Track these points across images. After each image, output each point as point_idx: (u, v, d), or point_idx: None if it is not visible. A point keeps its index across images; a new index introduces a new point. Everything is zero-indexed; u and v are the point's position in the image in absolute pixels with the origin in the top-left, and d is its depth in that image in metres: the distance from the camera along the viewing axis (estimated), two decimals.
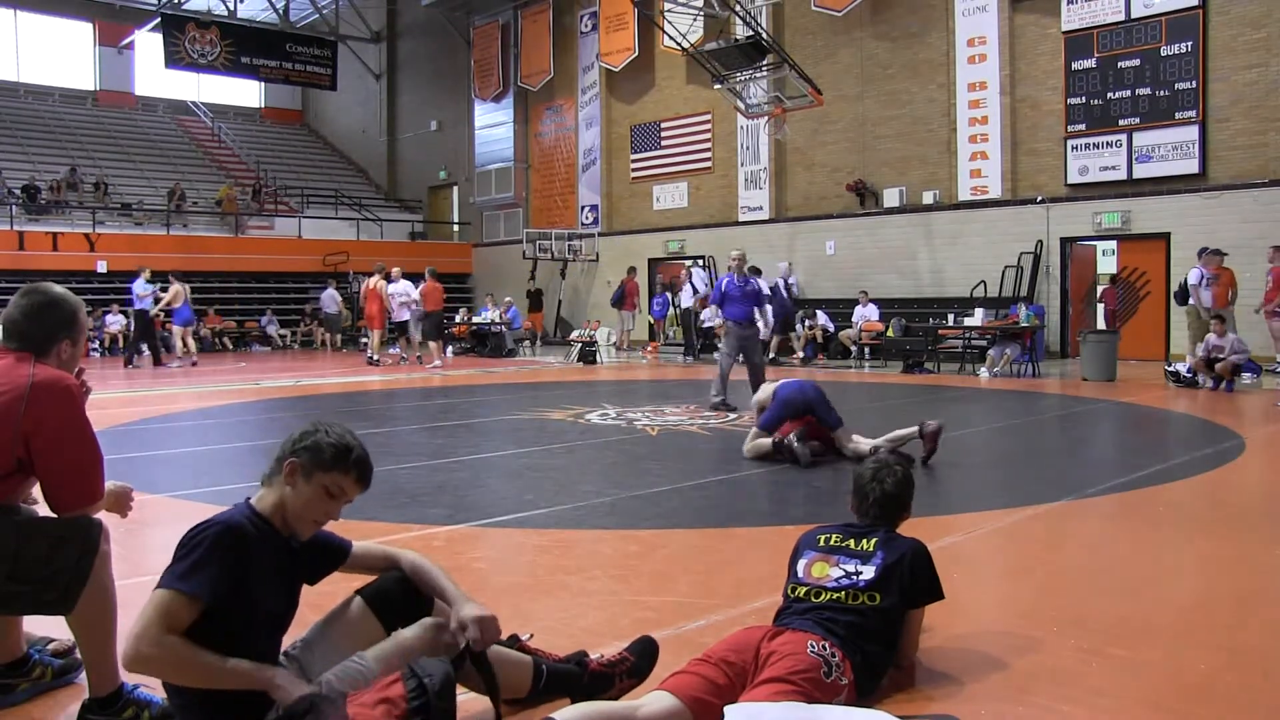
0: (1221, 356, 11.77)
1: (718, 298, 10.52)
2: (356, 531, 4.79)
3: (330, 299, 22.95)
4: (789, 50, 18.37)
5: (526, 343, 23.03)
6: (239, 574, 2.27)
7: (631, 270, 22.43)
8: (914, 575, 2.89)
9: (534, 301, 24.64)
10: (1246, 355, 11.93)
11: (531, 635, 2.89)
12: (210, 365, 17.54)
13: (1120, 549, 4.67)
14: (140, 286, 17.15)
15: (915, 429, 6.77)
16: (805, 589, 2.89)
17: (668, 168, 23.33)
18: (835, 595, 2.83)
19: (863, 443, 6.88)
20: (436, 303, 17.21)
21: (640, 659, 2.81)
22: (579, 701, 2.62)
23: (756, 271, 11.16)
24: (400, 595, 2.58)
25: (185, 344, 17.45)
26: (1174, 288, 14.56)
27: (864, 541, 2.97)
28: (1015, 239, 17.34)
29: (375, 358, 17.25)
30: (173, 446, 8.43)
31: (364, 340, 17.51)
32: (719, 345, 18.35)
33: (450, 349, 20.91)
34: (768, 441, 6.98)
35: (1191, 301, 13.27)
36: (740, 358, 10.31)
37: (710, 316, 11.95)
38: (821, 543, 3.02)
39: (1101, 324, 17.68)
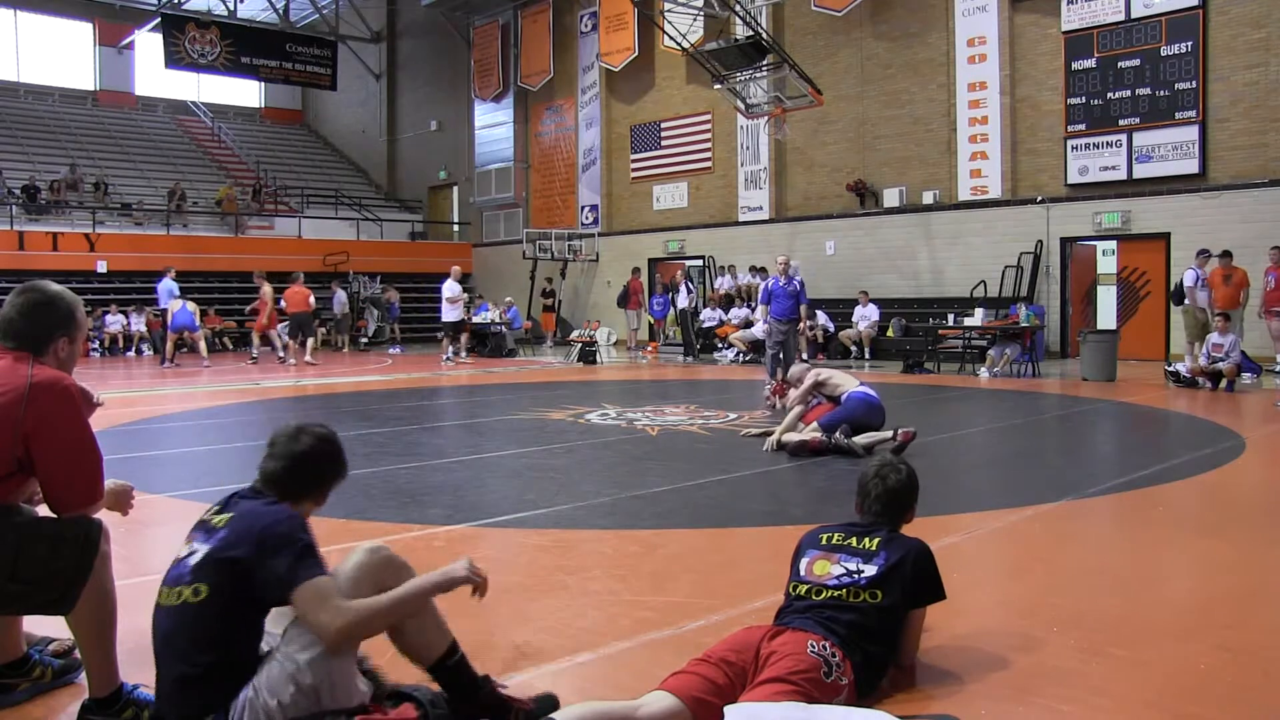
0: (1222, 356, 11.79)
1: (765, 298, 11.80)
2: (360, 532, 4.81)
3: (340, 302, 23.00)
4: (789, 50, 18.37)
5: (546, 344, 23.01)
6: None
7: (635, 270, 22.45)
8: (917, 575, 2.89)
9: (547, 299, 24.21)
10: (1239, 354, 11.91)
11: (506, 687, 2.67)
12: (210, 365, 17.51)
13: (1120, 549, 4.67)
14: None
15: (891, 433, 7.13)
16: (806, 587, 2.89)
17: (668, 168, 23.32)
18: (836, 593, 2.83)
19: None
20: (301, 304, 17.92)
21: (541, 706, 2.61)
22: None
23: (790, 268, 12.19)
24: None
25: (193, 348, 17.60)
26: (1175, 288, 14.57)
27: (866, 540, 2.97)
28: (1015, 239, 17.34)
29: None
30: (173, 446, 8.42)
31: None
32: (720, 346, 18.65)
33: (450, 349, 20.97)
34: (821, 436, 7.20)
35: (1187, 302, 13.28)
36: (781, 353, 11.40)
37: (760, 316, 13.06)
38: (824, 541, 3.03)
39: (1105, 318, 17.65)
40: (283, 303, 17.86)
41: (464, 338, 18.51)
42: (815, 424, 7.31)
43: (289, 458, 2.49)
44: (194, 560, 2.35)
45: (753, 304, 18.10)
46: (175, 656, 2.32)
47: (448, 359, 17.72)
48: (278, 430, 2.56)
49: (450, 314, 17.83)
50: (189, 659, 2.27)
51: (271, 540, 2.27)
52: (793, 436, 7.26)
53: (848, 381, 7.72)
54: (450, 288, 17.70)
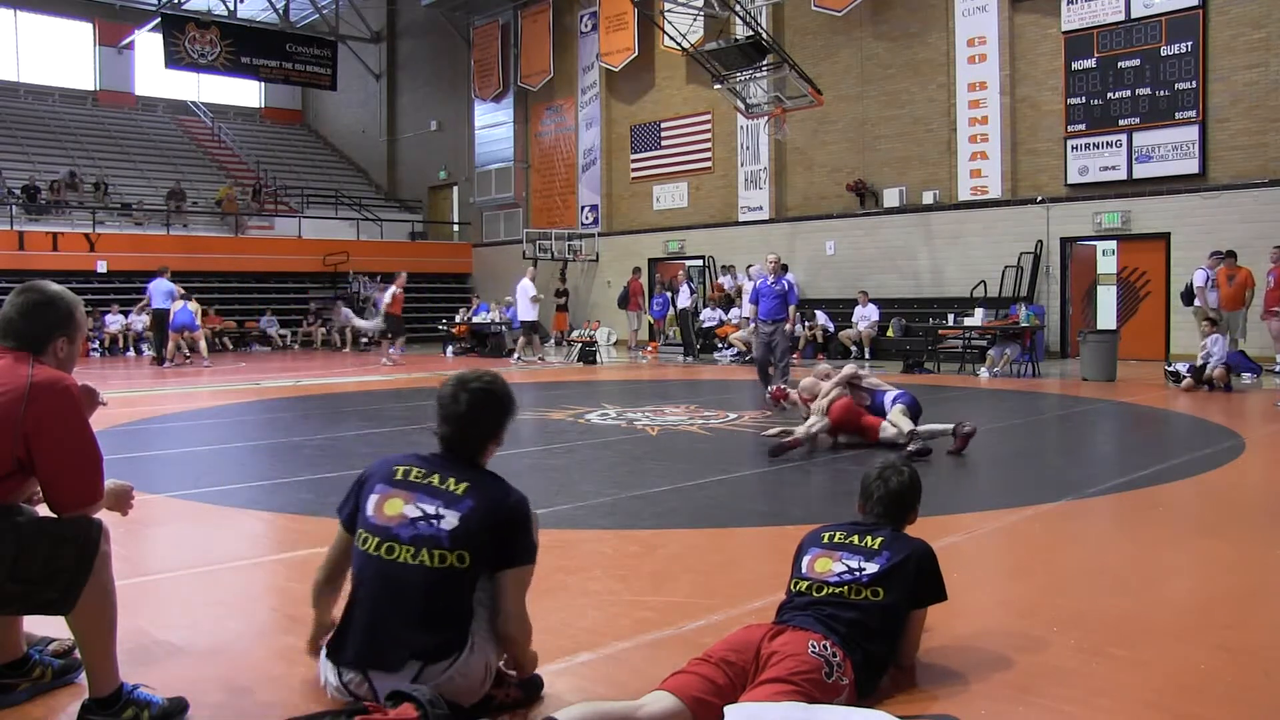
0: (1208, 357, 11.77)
1: (754, 297, 11.63)
2: None
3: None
4: (789, 50, 18.37)
5: (548, 343, 22.97)
6: None
7: (636, 270, 22.44)
8: (919, 575, 2.90)
9: (560, 299, 24.10)
10: (1224, 356, 11.84)
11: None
12: (210, 365, 17.52)
13: (1120, 549, 4.67)
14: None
15: (950, 426, 7.17)
16: (808, 584, 2.90)
17: (668, 168, 23.31)
18: (837, 590, 2.84)
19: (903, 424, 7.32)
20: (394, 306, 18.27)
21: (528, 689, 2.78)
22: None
23: (785, 269, 12.09)
24: None
25: (183, 348, 17.55)
26: (1178, 288, 14.56)
27: (868, 539, 2.97)
28: (1015, 239, 17.34)
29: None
30: (173, 446, 8.42)
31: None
32: (720, 346, 18.65)
33: (450, 349, 21.05)
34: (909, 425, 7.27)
35: (1197, 303, 13.25)
36: (774, 353, 11.26)
37: (750, 316, 13.00)
38: (826, 539, 3.03)
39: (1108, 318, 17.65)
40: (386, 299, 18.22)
41: (520, 340, 18.57)
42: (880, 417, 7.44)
43: (457, 420, 2.62)
44: (448, 526, 2.52)
45: None
46: (419, 613, 2.47)
47: (540, 358, 18.02)
48: (441, 392, 2.67)
49: (530, 313, 18.00)
50: (435, 620, 2.46)
51: (518, 517, 2.59)
52: (801, 431, 7.26)
53: (886, 385, 7.90)
54: (529, 287, 17.83)
